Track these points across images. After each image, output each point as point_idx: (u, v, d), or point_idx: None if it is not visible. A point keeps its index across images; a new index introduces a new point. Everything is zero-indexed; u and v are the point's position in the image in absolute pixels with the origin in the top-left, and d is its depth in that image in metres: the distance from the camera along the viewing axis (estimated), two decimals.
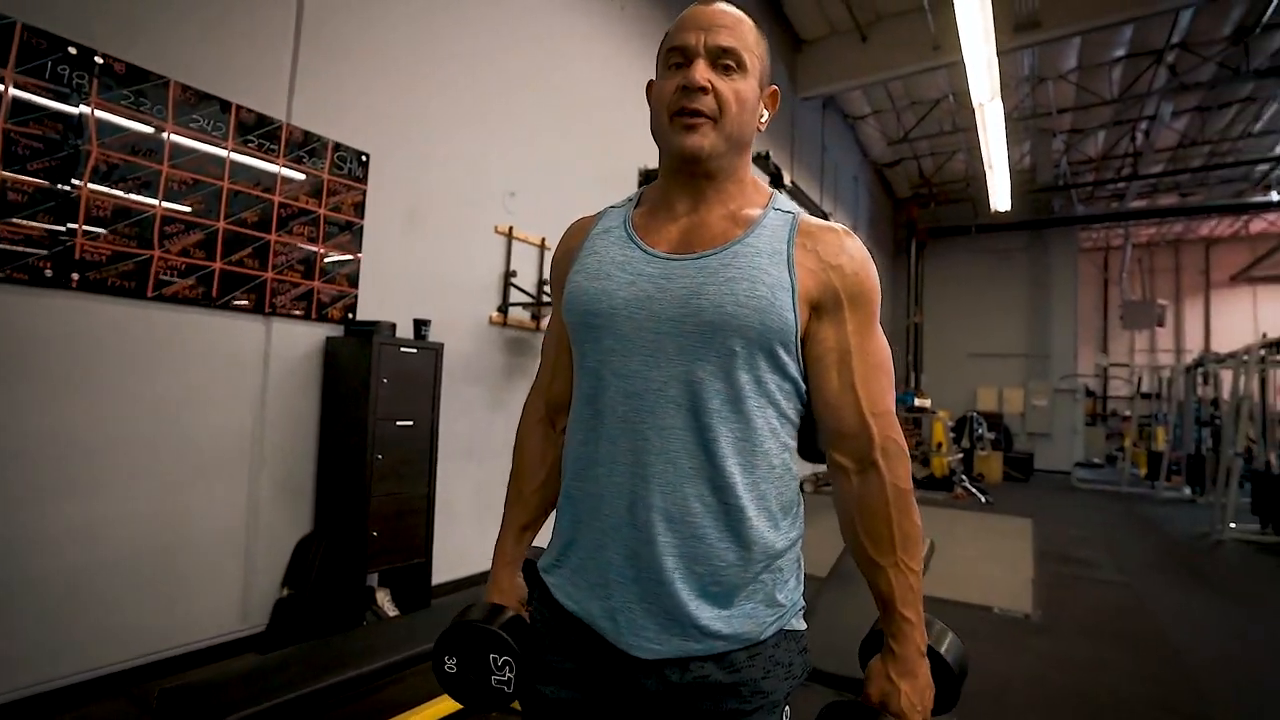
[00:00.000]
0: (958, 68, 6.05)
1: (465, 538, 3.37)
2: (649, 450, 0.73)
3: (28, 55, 1.97)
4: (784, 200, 0.83)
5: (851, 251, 0.77)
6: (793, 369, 0.76)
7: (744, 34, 0.78)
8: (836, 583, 2.03)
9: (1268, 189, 10.54)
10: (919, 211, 11.12)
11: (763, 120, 0.82)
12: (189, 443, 2.37)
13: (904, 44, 6.60)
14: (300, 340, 2.70)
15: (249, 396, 2.55)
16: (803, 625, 0.81)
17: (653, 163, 5.13)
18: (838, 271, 0.75)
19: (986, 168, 7.83)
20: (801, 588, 0.82)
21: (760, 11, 6.56)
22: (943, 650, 0.81)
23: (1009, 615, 3.38)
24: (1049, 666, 2.74)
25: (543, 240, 3.88)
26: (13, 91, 1.94)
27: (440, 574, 3.19)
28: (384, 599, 2.76)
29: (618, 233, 0.84)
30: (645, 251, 0.79)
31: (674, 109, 0.76)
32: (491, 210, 3.58)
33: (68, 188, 2.05)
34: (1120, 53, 7.18)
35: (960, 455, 8.03)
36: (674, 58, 0.78)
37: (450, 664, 0.80)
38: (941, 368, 11.91)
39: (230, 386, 2.49)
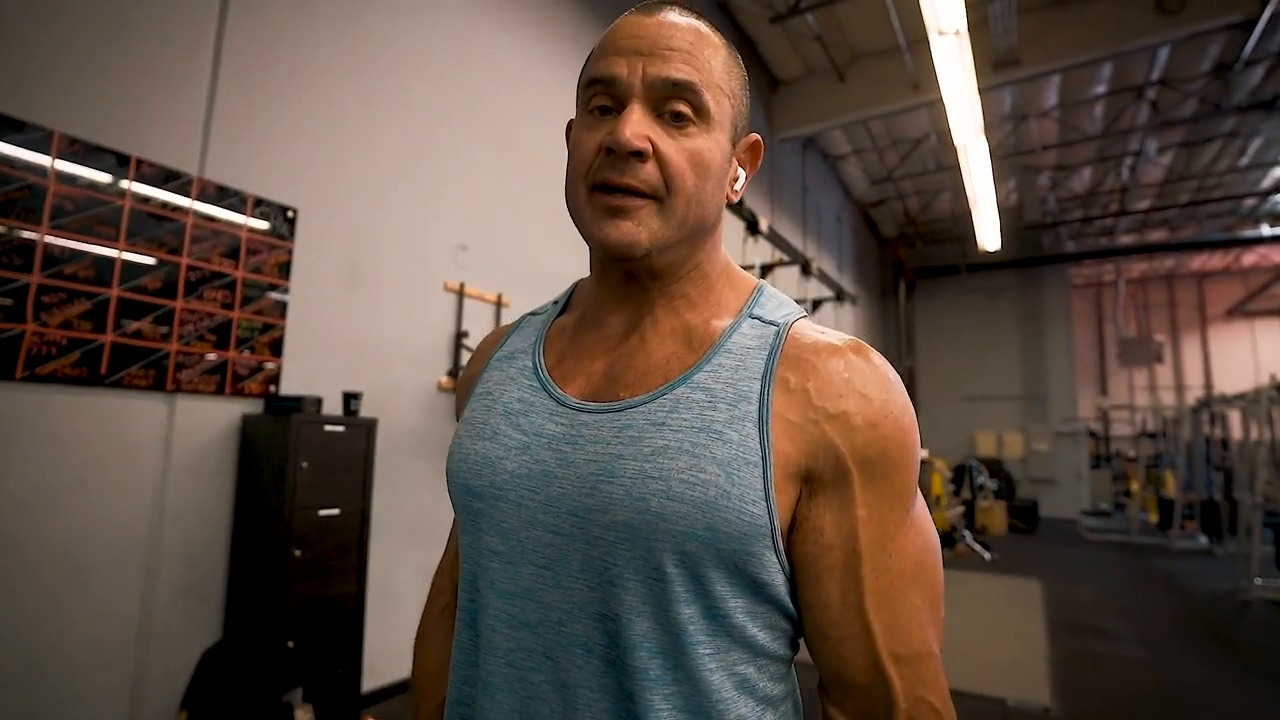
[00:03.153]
0: (939, 106, 5.93)
1: (409, 628, 2.98)
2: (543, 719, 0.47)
3: None
4: (770, 300, 0.54)
5: (864, 387, 0.46)
6: (774, 582, 0.47)
7: (707, 59, 0.49)
8: None
9: (1257, 222, 10.45)
10: (906, 251, 10.98)
11: (737, 186, 0.54)
12: (68, 541, 2.02)
13: (883, 83, 6.50)
14: (210, 419, 2.39)
15: (145, 486, 2.21)
16: None
17: None
18: (840, 423, 0.45)
19: (972, 206, 7.68)
20: None
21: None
22: None
23: (1025, 708, 2.99)
24: None
25: (499, 297, 3.57)
26: None
27: (379, 676, 2.82)
28: (305, 718, 2.37)
29: (523, 360, 0.57)
30: (551, 396, 0.53)
31: (595, 180, 0.48)
32: (440, 266, 3.30)
33: None
34: (1101, 89, 7.11)
35: (961, 508, 7.64)
36: (597, 97, 0.49)
37: None
38: (936, 412, 11.58)
39: (121, 475, 2.16)
